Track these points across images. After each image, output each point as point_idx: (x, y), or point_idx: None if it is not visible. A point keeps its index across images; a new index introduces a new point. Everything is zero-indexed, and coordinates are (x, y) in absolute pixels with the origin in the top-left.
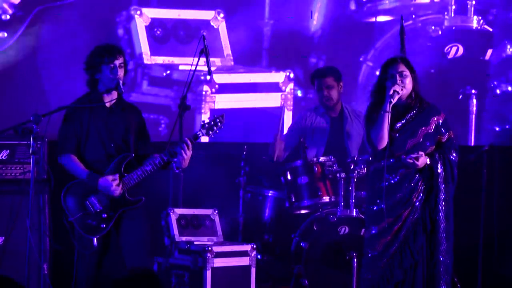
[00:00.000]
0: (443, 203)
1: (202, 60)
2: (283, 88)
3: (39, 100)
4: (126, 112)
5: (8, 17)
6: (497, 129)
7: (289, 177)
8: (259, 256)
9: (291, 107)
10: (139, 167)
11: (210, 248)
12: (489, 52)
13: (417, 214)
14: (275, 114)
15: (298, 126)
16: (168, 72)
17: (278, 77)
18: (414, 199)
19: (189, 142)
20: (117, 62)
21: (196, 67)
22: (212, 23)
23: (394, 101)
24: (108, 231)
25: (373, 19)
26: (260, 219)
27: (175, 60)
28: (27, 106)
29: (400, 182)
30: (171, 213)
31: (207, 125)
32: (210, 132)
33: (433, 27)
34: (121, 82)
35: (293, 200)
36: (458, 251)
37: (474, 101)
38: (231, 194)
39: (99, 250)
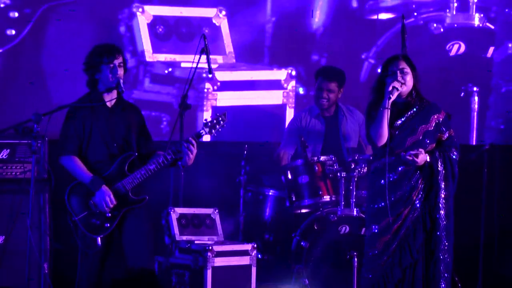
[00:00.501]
0: (443, 201)
1: (204, 57)
2: (285, 85)
3: (42, 99)
4: (127, 112)
5: (16, 14)
6: (502, 127)
7: (289, 176)
8: (259, 255)
9: (293, 105)
10: (143, 166)
11: (210, 248)
12: (491, 49)
13: (417, 213)
14: (276, 113)
15: (295, 127)
16: (170, 69)
17: (280, 74)
18: (414, 197)
19: (193, 141)
20: (116, 62)
21: (196, 67)
22: (214, 21)
23: (393, 97)
24: (112, 230)
25: (375, 17)
26: (261, 218)
27: (177, 57)
28: (30, 104)
29: (399, 180)
30: (171, 212)
31: (209, 124)
32: (213, 131)
33: (435, 25)
34: (121, 81)
35: (294, 199)
36: (459, 250)
37: (476, 98)
38: (231, 193)
39: (103, 249)
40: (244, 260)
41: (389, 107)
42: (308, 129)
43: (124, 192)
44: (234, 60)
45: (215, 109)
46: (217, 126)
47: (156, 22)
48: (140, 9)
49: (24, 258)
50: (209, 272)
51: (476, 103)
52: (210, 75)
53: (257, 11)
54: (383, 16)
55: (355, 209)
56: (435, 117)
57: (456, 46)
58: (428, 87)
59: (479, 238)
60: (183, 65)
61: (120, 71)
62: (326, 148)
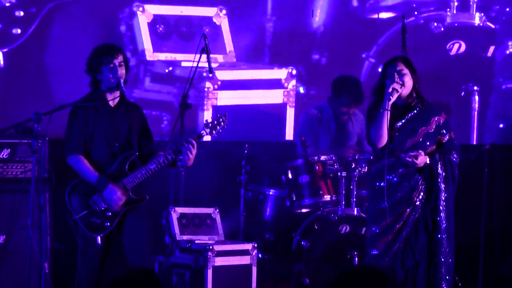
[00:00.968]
0: (444, 204)
1: (204, 56)
2: (286, 84)
3: (45, 98)
4: (129, 111)
5: (22, 13)
6: (501, 126)
7: (290, 176)
8: (260, 255)
9: (293, 104)
10: (143, 166)
11: (211, 247)
12: (492, 48)
13: (418, 213)
14: (277, 112)
15: (312, 120)
16: (171, 68)
17: (280, 73)
18: (415, 198)
19: (194, 142)
20: (116, 62)
21: (197, 66)
22: (214, 20)
23: (393, 99)
24: (112, 229)
25: (376, 16)
26: (261, 218)
27: (178, 56)
28: (34, 103)
29: (399, 182)
30: (172, 212)
31: (210, 124)
32: (214, 132)
33: (435, 24)
34: (122, 80)
35: (294, 199)
36: (459, 251)
37: (477, 97)
38: (232, 193)
39: (103, 248)
40: (245, 260)
41: (389, 108)
42: (318, 130)
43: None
44: (234, 59)
45: (216, 108)
46: (218, 127)
47: (156, 21)
48: (141, 8)
49: (25, 258)
50: (209, 272)
51: (477, 102)
52: (210, 75)
53: (257, 10)
54: (384, 15)
55: (355, 208)
56: (436, 119)
57: (456, 45)
58: (428, 86)
59: (479, 238)
60: (183, 64)
61: (121, 71)
62: (334, 147)
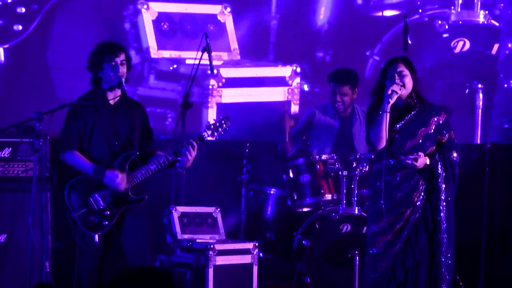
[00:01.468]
0: (444, 204)
1: (206, 55)
2: (290, 82)
3: (47, 95)
4: (131, 109)
5: (23, 10)
6: (506, 126)
7: (291, 175)
8: (261, 254)
9: (298, 102)
10: (144, 166)
11: (212, 246)
12: (496, 46)
13: (419, 214)
14: (279, 111)
15: (307, 121)
16: (175, 66)
17: (284, 71)
18: (416, 199)
19: (194, 144)
20: (118, 60)
21: (198, 66)
22: (219, 17)
23: (392, 101)
24: (110, 228)
25: (380, 13)
26: (262, 217)
27: (182, 54)
28: (35, 100)
29: (400, 183)
30: (173, 211)
31: (212, 126)
32: (215, 133)
33: (439, 22)
34: (123, 79)
35: (295, 198)
36: (460, 250)
37: (481, 95)
38: (233, 192)
39: (101, 247)
40: (246, 259)
41: (389, 110)
42: (320, 126)
43: (124, 191)
44: (239, 57)
45: (220, 106)
46: (220, 129)
47: (161, 19)
48: (145, 6)
49: (26, 257)
50: (210, 271)
51: (481, 100)
52: (214, 72)
53: (262, 8)
54: (388, 13)
55: (356, 207)
56: (435, 119)
57: (460, 43)
58: (432, 84)
59: (480, 237)
60: (188, 61)
61: (123, 69)
62: (337, 147)
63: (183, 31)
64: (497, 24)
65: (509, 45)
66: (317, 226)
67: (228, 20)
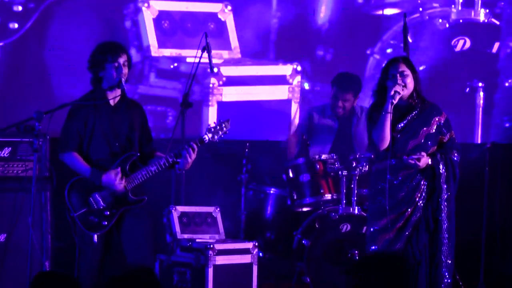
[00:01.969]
0: (445, 203)
1: (206, 54)
2: (290, 80)
3: (44, 94)
4: (130, 110)
5: (20, 8)
6: (507, 125)
7: (291, 174)
8: (261, 253)
9: (298, 100)
10: (144, 167)
11: (212, 246)
12: (496, 45)
13: (420, 213)
14: (281, 108)
15: (305, 123)
16: (176, 64)
17: (285, 69)
18: (417, 198)
19: (195, 146)
20: (121, 60)
21: (198, 65)
22: (219, 16)
23: (395, 101)
24: (110, 228)
25: (380, 12)
26: (262, 217)
27: (183, 52)
28: (32, 99)
29: (401, 183)
30: (173, 210)
31: (212, 129)
32: (216, 137)
33: (440, 20)
34: (123, 80)
35: (295, 197)
36: (460, 249)
37: (481, 94)
38: (233, 191)
39: (100, 247)
40: (246, 259)
41: (391, 111)
42: (319, 127)
43: (124, 191)
44: (239, 55)
45: (221, 104)
46: (220, 132)
47: (161, 17)
48: (146, 4)
49: (26, 256)
50: (210, 271)
51: (482, 99)
52: (215, 70)
53: (262, 6)
54: (388, 11)
55: (356, 207)
56: (436, 119)
57: (461, 42)
58: (433, 83)
59: (480, 237)
60: (188, 60)
61: (124, 70)
62: (336, 146)
63: (184, 30)
64: (497, 22)
65: (510, 44)
66: (317, 226)
67: (228, 18)
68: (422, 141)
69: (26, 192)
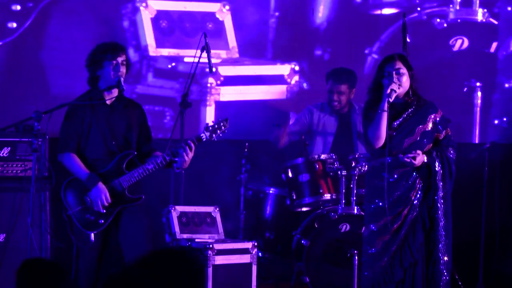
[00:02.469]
0: (442, 201)
1: (205, 54)
2: (289, 80)
3: (42, 93)
4: (128, 109)
5: (18, 7)
6: (505, 125)
7: (290, 174)
8: (260, 253)
9: (296, 100)
10: (141, 166)
11: (211, 246)
12: (494, 44)
13: (416, 212)
14: (279, 108)
15: (305, 119)
16: (174, 64)
17: (283, 69)
18: (413, 197)
19: (192, 145)
20: (119, 60)
21: (197, 65)
22: (217, 15)
23: (391, 100)
24: (108, 227)
25: (379, 12)
26: (261, 217)
27: (181, 52)
28: (29, 98)
29: (397, 181)
30: (172, 210)
31: (210, 128)
32: (214, 135)
33: (438, 20)
34: (122, 79)
35: (294, 197)
36: (460, 248)
37: (479, 94)
38: (232, 191)
39: (98, 245)
40: (245, 258)
41: (387, 109)
42: (320, 125)
43: (121, 189)
44: (237, 55)
45: (218, 104)
46: (218, 131)
47: (159, 17)
48: (144, 4)
49: (25, 256)
50: (209, 270)
51: (479, 99)
52: (212, 72)
53: (260, 6)
54: (387, 11)
55: (355, 207)
56: (432, 116)
57: (459, 41)
58: (431, 82)
59: (479, 236)
60: (186, 59)
61: (123, 69)
62: (337, 145)
63: (182, 29)
64: (495, 22)
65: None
66: (316, 226)
67: (226, 18)
68: (418, 138)
69: (25, 192)
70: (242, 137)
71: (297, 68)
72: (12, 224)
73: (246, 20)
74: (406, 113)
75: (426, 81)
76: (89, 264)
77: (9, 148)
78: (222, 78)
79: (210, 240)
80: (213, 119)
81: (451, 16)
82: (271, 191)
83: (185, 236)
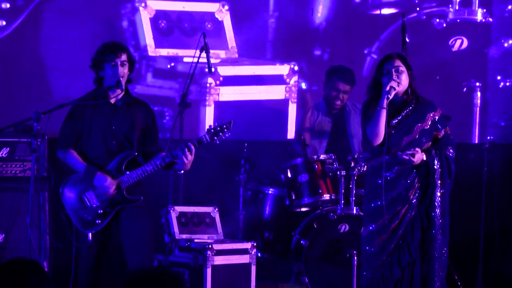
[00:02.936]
0: (439, 200)
1: (204, 54)
2: (288, 80)
3: (43, 95)
4: (133, 109)
5: (8, 5)
6: (502, 124)
7: (289, 174)
8: (259, 254)
9: (295, 100)
10: (140, 167)
11: (210, 246)
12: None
13: (414, 211)
14: (278, 108)
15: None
16: (173, 64)
17: (282, 69)
18: (411, 196)
19: (192, 147)
20: (118, 61)
21: (196, 65)
22: (216, 16)
23: (391, 97)
24: (108, 227)
25: (378, 12)
26: (261, 217)
27: (180, 52)
28: (31, 101)
29: (396, 179)
30: (171, 210)
31: (212, 131)
32: (215, 138)
33: (437, 20)
34: (122, 79)
35: (294, 198)
36: (459, 248)
37: (479, 93)
38: (231, 192)
39: (95, 245)
40: (244, 259)
41: (386, 107)
42: (316, 126)
43: (116, 192)
44: (236, 55)
45: (218, 104)
46: (220, 134)
47: (158, 17)
48: (143, 4)
49: (24, 256)
50: (208, 271)
51: (479, 99)
52: (211, 72)
53: (259, 6)
54: (386, 11)
55: (354, 207)
56: (431, 115)
57: (458, 41)
58: (430, 82)
59: (479, 236)
60: (185, 59)
61: (123, 70)
62: (332, 145)
63: (181, 29)
64: None
65: (504, 44)
66: (315, 226)
67: (226, 18)
68: (417, 137)
69: (24, 192)
70: (241, 137)
71: (296, 68)
72: (11, 224)
73: (245, 20)
74: (405, 111)
75: (426, 81)
76: (88, 263)
77: (8, 148)
78: (221, 78)
79: (209, 241)
80: (212, 119)
81: (451, 16)
82: (270, 192)
83: (184, 236)
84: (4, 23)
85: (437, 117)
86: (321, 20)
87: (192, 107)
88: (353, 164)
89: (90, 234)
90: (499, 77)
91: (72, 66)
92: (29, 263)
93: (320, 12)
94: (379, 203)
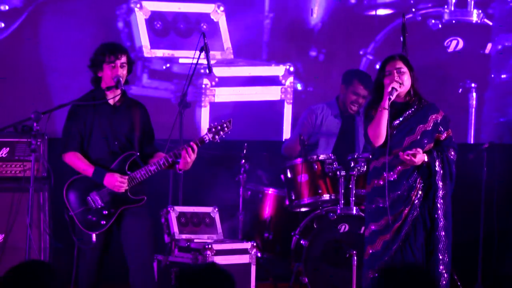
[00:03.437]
0: (441, 201)
1: (203, 54)
2: (283, 81)
3: (41, 96)
4: (131, 109)
5: (7, 7)
6: (495, 121)
7: (289, 175)
8: (259, 254)
9: (291, 101)
10: (143, 167)
11: (210, 246)
12: (489, 45)
13: (417, 212)
14: (274, 109)
15: (309, 122)
16: (168, 65)
17: (278, 70)
18: (413, 197)
19: (194, 147)
20: (118, 62)
21: (196, 65)
22: (212, 17)
23: (393, 97)
24: (109, 228)
25: (373, 13)
26: (260, 217)
27: (175, 53)
28: (30, 101)
29: (398, 180)
30: (171, 210)
31: (213, 130)
32: (216, 137)
33: (433, 21)
34: (121, 80)
35: (293, 198)
36: (458, 249)
37: (474, 94)
38: (231, 191)
39: (99, 246)
40: (244, 259)
41: (388, 107)
42: (323, 126)
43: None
44: (232, 56)
45: (213, 105)
46: (221, 132)
47: (154, 18)
48: (138, 5)
49: (24, 256)
50: None
51: (474, 99)
52: (209, 72)
53: (255, 7)
54: (382, 12)
55: (354, 207)
56: (433, 117)
57: (454, 42)
58: (426, 83)
59: (478, 236)
60: (181, 61)
61: (122, 71)
62: (339, 146)
63: (176, 30)
64: (490, 23)
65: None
66: (315, 226)
67: (221, 19)
68: (418, 138)
69: (24, 192)
70: (236, 138)
71: (292, 69)
72: (10, 224)
73: (241, 21)
74: (407, 112)
75: (421, 81)
76: (91, 265)
77: (8, 148)
78: (217, 79)
79: (209, 241)
80: (208, 120)
81: (446, 17)
82: (270, 192)
83: (184, 236)
84: (2, 25)
85: (439, 119)
86: (316, 21)
87: (188, 108)
88: (352, 164)
89: (94, 235)
90: (492, 75)
91: (70, 67)
92: (45, 264)
93: (316, 13)
94: (381, 204)
